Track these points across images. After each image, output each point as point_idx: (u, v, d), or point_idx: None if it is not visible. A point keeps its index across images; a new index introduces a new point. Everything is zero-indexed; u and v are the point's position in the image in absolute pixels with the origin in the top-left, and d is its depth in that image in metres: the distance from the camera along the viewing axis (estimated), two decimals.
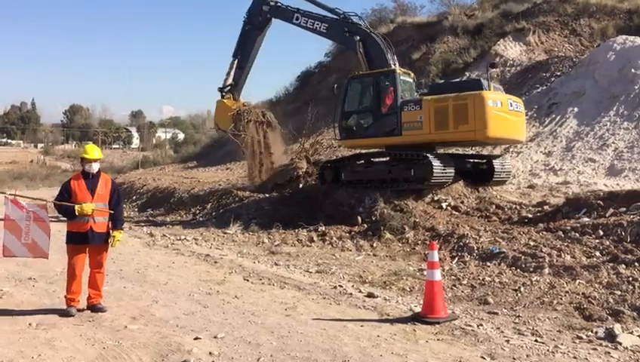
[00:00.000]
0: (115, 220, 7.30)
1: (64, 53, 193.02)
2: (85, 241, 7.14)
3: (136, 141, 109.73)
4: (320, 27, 17.10)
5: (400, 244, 11.88)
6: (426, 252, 9.93)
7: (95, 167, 7.25)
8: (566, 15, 28.88)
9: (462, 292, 8.30)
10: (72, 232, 7.16)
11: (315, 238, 12.89)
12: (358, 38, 16.14)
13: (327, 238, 12.76)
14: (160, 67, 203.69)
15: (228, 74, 18.68)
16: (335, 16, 16.95)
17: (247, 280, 9.18)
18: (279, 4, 18.17)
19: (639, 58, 20.56)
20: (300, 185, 16.67)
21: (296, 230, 13.77)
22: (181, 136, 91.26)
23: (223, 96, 18.71)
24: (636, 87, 19.45)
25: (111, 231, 7.24)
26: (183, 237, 14.00)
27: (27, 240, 6.99)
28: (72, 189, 7.14)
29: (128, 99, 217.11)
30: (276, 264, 10.55)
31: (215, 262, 10.80)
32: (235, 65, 18.52)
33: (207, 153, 41.52)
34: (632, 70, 20.21)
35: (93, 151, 7.30)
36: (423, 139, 14.10)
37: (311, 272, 9.81)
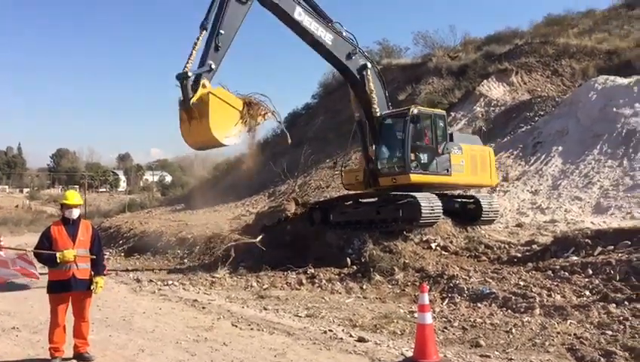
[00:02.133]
0: (98, 266, 7.19)
1: (52, 98, 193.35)
2: (68, 289, 7.01)
3: (123, 184, 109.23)
4: (325, 37, 14.16)
5: (390, 286, 11.79)
6: (417, 293, 9.89)
7: (75, 213, 7.18)
8: (547, 56, 29.59)
9: (453, 334, 8.21)
10: (54, 281, 7.03)
11: (305, 281, 12.76)
12: (370, 65, 14.95)
13: (317, 281, 12.64)
14: (148, 109, 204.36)
15: (194, 51, 12.49)
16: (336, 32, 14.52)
17: (236, 326, 9.02)
18: None
19: (620, 97, 21.01)
20: (289, 227, 16.56)
21: (286, 273, 13.64)
22: (169, 178, 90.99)
23: (184, 84, 12.06)
24: (618, 126, 19.80)
25: (93, 278, 7.12)
26: (170, 282, 13.80)
27: (15, 267, 7.13)
28: (52, 236, 7.05)
29: (116, 142, 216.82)
30: (265, 308, 10.40)
31: (203, 308, 10.63)
32: (206, 42, 12.70)
33: (194, 195, 41.37)
34: (614, 109, 20.61)
35: (73, 197, 7.25)
36: (463, 181, 15.38)
37: (300, 316, 9.67)
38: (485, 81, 29.26)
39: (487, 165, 15.78)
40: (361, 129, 15.38)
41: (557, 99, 25.28)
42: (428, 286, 10.96)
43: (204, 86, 12.19)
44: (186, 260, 17.79)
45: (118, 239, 24.59)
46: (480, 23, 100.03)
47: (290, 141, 15.72)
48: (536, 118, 24.17)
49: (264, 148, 39.55)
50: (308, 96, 46.47)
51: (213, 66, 12.55)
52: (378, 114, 14.85)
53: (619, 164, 18.26)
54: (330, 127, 34.84)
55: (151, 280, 14.24)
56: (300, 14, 13.68)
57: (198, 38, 12.55)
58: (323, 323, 9.08)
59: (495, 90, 28.88)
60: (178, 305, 11.05)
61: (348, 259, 13.57)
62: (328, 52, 14.42)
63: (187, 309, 10.63)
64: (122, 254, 21.63)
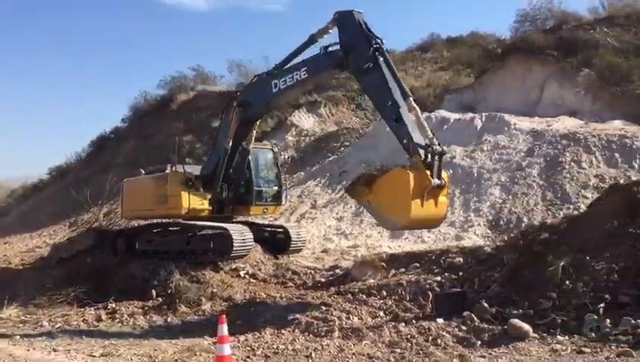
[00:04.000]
0: None
1: None
2: None
3: None
4: None
5: (196, 317, 11.50)
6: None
7: None
8: (352, 91, 31.70)
9: None
10: None
11: (104, 317, 11.91)
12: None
13: (118, 316, 11.87)
14: None
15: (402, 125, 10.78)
16: None
17: None
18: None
19: None
20: (89, 259, 15.41)
21: (83, 309, 12.64)
22: None
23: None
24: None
25: None
26: None
27: None
28: None
29: None
30: (55, 350, 9.45)
31: None
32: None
33: None
34: None
35: None
36: None
37: (95, 356, 8.96)
38: (296, 111, 30.43)
39: None
40: (228, 158, 14.42)
41: (360, 131, 27.15)
42: (235, 315, 11.00)
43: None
44: None
45: None
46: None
47: None
48: (342, 149, 25.66)
49: (65, 174, 36.89)
50: (117, 119, 44.32)
51: None
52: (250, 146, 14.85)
53: None
54: (141, 153, 33.55)
55: None
56: None
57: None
58: None
59: (305, 121, 30.18)
60: None
61: (153, 291, 12.98)
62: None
63: None
64: None
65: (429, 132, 10.70)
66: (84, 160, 38.52)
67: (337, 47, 11.87)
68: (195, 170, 14.92)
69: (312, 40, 12.57)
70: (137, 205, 15.25)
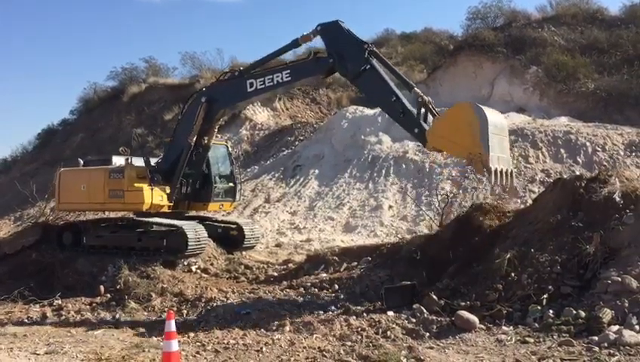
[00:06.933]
0: None
1: None
2: None
3: None
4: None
5: (146, 313, 11.30)
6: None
7: None
8: (307, 85, 31.67)
9: (205, 359, 8.11)
10: None
11: (50, 314, 11.57)
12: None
13: (64, 313, 11.55)
14: None
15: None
16: None
17: None
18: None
19: (367, 126, 23.33)
20: (34, 255, 14.93)
21: (28, 306, 12.26)
22: None
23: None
24: (365, 152, 21.92)
25: None
26: None
27: None
28: None
29: None
30: None
31: None
32: None
33: None
34: (362, 137, 22.80)
35: None
36: None
37: (39, 354, 8.69)
38: (251, 105, 30.17)
39: None
40: (192, 152, 14.10)
41: (315, 125, 27.21)
42: (186, 311, 10.89)
43: None
44: None
45: None
46: (247, 48, 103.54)
47: None
48: (297, 143, 25.67)
49: (11, 167, 35.75)
50: (63, 109, 43.33)
51: None
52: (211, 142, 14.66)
53: (365, 186, 20.18)
54: (90, 146, 32.74)
55: None
56: None
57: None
58: (64, 360, 8.30)
59: (260, 115, 30.03)
60: None
61: (101, 288, 12.69)
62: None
63: None
64: None
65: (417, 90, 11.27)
66: (31, 153, 37.40)
67: (326, 54, 12.17)
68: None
69: (296, 44, 12.83)
70: (80, 198, 14.73)
